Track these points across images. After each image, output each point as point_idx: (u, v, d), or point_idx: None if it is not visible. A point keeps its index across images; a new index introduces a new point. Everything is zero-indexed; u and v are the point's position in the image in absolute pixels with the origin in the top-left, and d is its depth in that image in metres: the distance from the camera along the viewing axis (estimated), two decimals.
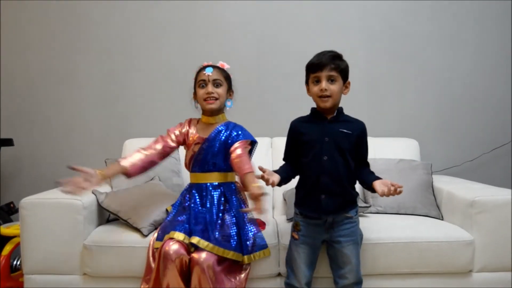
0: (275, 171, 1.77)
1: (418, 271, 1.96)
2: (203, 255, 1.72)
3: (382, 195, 1.63)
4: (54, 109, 2.93)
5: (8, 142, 2.73)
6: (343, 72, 1.76)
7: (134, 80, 2.92)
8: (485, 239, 1.96)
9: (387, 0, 2.91)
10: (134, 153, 1.92)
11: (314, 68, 1.75)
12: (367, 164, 1.86)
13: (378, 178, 1.74)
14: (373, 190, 1.72)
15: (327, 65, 1.73)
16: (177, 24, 2.91)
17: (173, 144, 2.00)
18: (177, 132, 2.01)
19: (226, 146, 1.94)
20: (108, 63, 2.92)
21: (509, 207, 1.96)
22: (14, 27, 2.92)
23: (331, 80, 1.74)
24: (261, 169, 1.67)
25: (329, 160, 1.74)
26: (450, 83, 2.94)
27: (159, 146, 1.97)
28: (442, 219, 2.21)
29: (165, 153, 1.99)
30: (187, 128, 2.03)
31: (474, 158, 2.92)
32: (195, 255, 1.73)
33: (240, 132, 1.97)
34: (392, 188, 1.61)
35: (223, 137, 1.96)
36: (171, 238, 1.75)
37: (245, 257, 1.83)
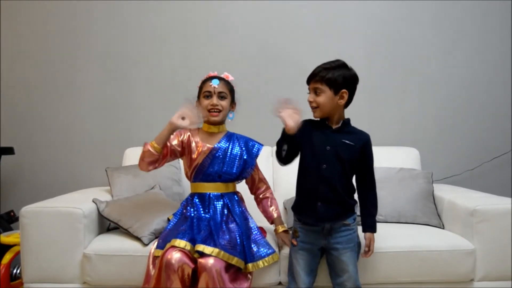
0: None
1: (419, 280, 1.96)
2: (211, 260, 1.70)
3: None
4: (55, 118, 2.94)
5: (8, 151, 2.73)
6: (331, 82, 1.75)
7: (135, 88, 2.93)
8: (486, 248, 1.96)
9: (387, 8, 2.92)
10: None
11: (307, 80, 1.83)
12: (372, 183, 1.86)
13: (371, 226, 1.83)
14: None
15: (313, 77, 1.79)
16: (179, 32, 2.92)
17: (178, 149, 1.98)
18: (175, 142, 1.98)
19: (235, 159, 2.00)
20: (108, 71, 2.93)
21: (510, 216, 1.96)
22: (14, 34, 2.93)
23: (316, 91, 1.78)
24: None
25: (328, 169, 1.77)
26: (451, 91, 2.95)
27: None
28: (443, 228, 2.21)
29: (167, 156, 1.96)
30: (189, 136, 2.01)
31: (475, 167, 2.92)
32: (202, 261, 1.71)
33: (251, 148, 2.06)
34: (365, 250, 1.82)
35: (232, 147, 2.01)
36: (173, 247, 1.74)
37: (249, 265, 1.82)
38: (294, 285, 1.82)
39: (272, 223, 2.06)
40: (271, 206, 2.06)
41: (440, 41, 2.94)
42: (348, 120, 1.84)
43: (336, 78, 1.75)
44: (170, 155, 1.97)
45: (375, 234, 1.85)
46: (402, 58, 2.94)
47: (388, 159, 2.52)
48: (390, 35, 2.93)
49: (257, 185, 2.10)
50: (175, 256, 1.70)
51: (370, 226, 1.84)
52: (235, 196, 2.04)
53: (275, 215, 2.04)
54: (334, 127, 1.82)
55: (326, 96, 1.77)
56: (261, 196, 2.09)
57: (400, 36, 2.93)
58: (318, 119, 1.85)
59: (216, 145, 1.99)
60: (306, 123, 1.85)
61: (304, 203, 1.83)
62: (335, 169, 1.77)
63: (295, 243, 1.84)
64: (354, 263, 1.80)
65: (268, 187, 2.12)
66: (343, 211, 1.80)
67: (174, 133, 1.96)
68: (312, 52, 2.89)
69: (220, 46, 2.92)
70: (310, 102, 1.80)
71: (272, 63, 2.93)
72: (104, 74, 2.94)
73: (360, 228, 1.86)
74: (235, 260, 1.76)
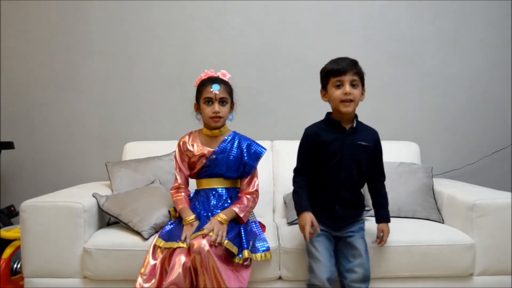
0: (302, 205, 1.79)
1: (419, 275, 1.96)
2: (199, 239, 1.71)
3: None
4: (55, 112, 2.93)
5: (8, 145, 2.72)
6: (362, 77, 1.79)
7: (134, 83, 2.92)
8: (485, 243, 1.96)
9: (387, 4, 2.91)
10: (179, 197, 2.01)
11: (336, 72, 1.75)
12: (383, 176, 1.92)
13: (384, 217, 1.88)
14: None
15: (350, 70, 1.74)
16: (178, 27, 2.91)
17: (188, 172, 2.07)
18: (182, 164, 2.05)
19: (235, 162, 2.00)
20: (108, 66, 2.92)
21: (510, 211, 1.96)
22: (15, 30, 2.92)
23: (353, 84, 1.75)
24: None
25: (346, 173, 1.79)
26: (451, 86, 2.94)
27: (182, 179, 2.05)
28: (443, 223, 2.21)
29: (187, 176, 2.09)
30: (188, 144, 2.03)
31: (475, 161, 2.91)
32: (193, 242, 1.72)
33: (253, 152, 2.02)
34: (378, 240, 1.86)
35: (233, 150, 2.00)
36: (179, 248, 1.76)
37: (246, 251, 1.83)
38: (313, 276, 1.73)
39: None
40: (238, 202, 1.96)
41: (441, 36, 2.92)
42: (356, 115, 1.85)
43: (364, 75, 1.79)
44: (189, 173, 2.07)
45: (374, 227, 1.88)
46: (403, 54, 2.92)
47: (388, 153, 2.49)
48: (391, 31, 2.91)
49: (247, 187, 2.02)
50: (182, 259, 1.73)
51: (383, 218, 1.88)
52: (238, 191, 2.05)
53: (233, 207, 1.92)
54: (348, 127, 1.81)
55: (359, 90, 1.78)
56: (240, 194, 2.03)
57: (400, 32, 2.91)
58: (324, 120, 1.86)
59: (216, 149, 2.00)
60: (314, 132, 1.82)
61: (321, 207, 1.82)
62: (353, 172, 1.80)
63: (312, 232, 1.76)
64: (366, 251, 1.80)
65: (253, 197, 2.00)
66: (359, 209, 1.87)
67: (179, 157, 2.05)
68: (312, 49, 2.88)
69: (220, 43, 2.90)
70: (348, 94, 1.73)
71: (272, 59, 2.91)
72: (103, 69, 2.92)
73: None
74: (225, 242, 1.76)
